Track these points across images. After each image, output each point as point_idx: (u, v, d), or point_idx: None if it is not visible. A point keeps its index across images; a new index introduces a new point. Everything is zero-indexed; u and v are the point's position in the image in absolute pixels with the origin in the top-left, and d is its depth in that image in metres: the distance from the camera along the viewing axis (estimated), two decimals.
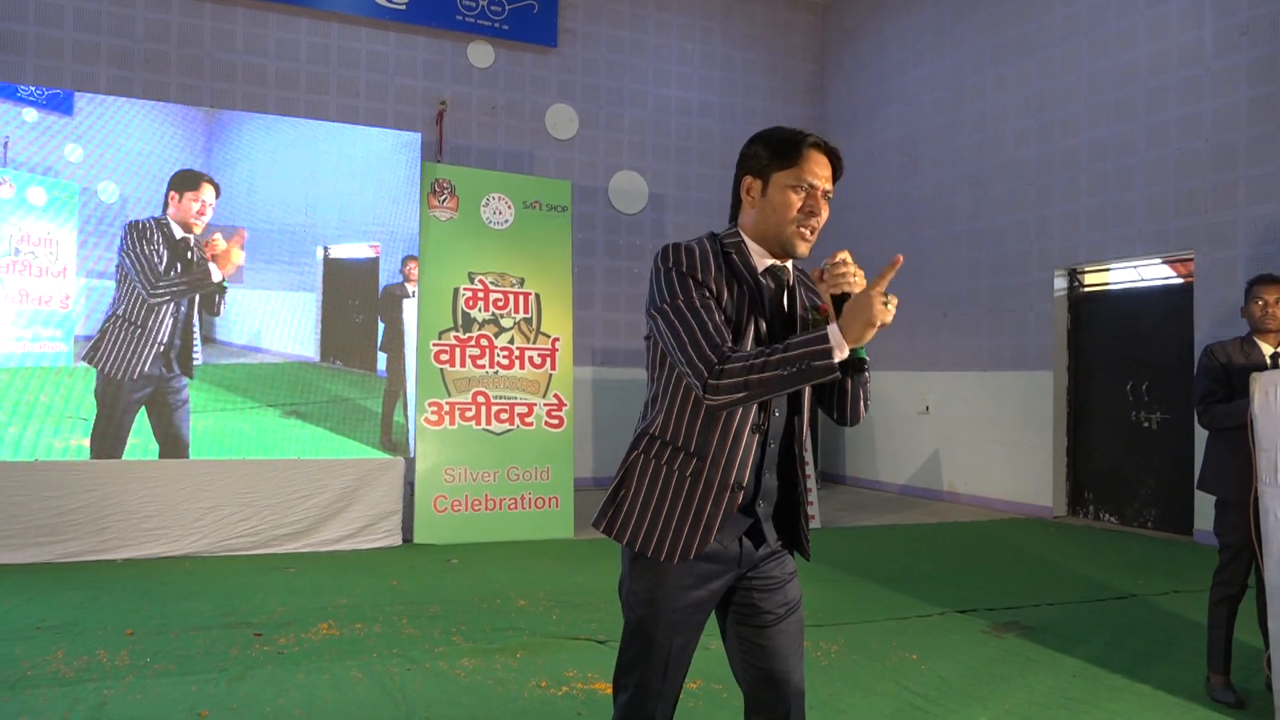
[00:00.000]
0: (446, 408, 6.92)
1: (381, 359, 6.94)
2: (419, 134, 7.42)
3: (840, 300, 1.80)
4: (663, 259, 1.90)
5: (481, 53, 9.91)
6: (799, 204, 1.88)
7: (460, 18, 9.70)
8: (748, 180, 1.95)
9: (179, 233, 6.40)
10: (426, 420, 6.85)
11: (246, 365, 6.56)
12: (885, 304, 1.71)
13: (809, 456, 2.00)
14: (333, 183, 6.89)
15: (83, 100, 6.34)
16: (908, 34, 10.35)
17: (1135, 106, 7.85)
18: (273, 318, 6.68)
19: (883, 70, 10.69)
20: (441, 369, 6.92)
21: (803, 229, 1.89)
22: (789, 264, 1.97)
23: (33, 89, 6.40)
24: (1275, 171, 6.87)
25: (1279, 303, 3.67)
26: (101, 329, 6.18)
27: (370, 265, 6.96)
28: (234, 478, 6.29)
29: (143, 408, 6.25)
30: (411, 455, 6.89)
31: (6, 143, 6.05)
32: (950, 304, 9.67)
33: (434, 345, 6.91)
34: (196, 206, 6.43)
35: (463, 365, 6.99)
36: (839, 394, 1.98)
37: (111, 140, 6.30)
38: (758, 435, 1.89)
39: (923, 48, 10.13)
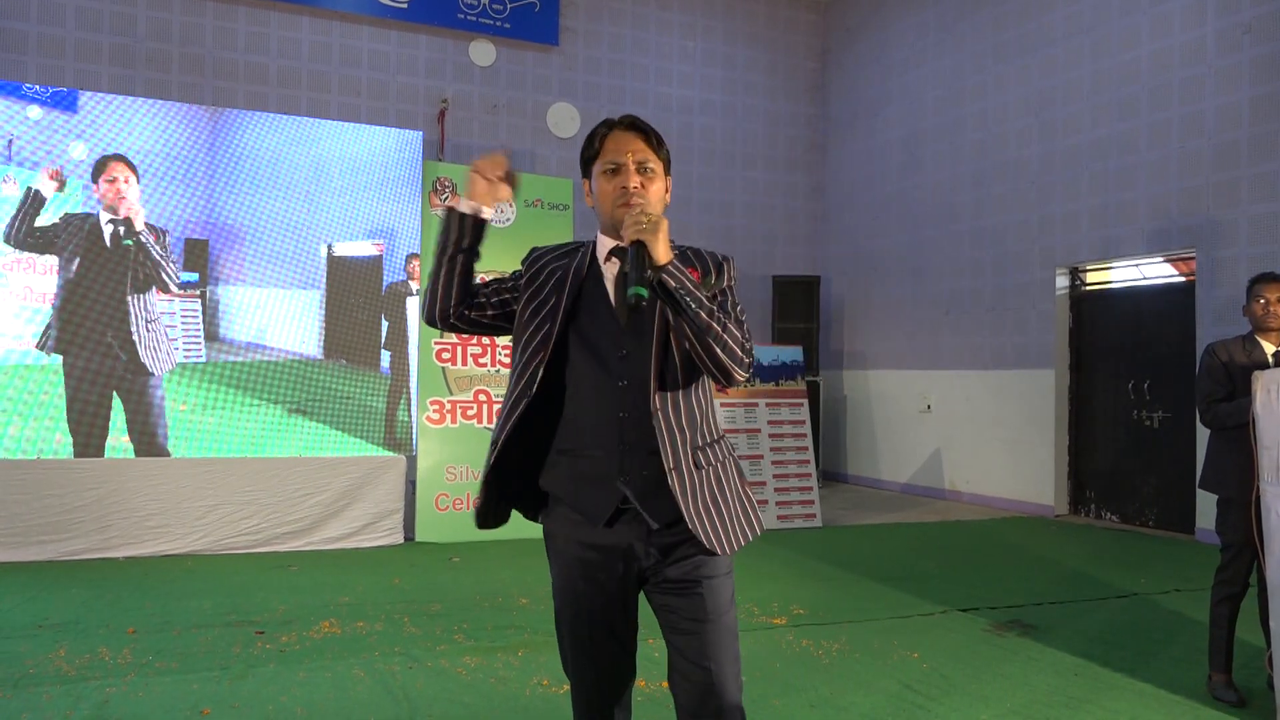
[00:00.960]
0: (448, 406, 6.92)
1: (385, 357, 6.95)
2: (421, 132, 7.43)
3: (638, 246, 1.79)
4: None
5: (483, 51, 9.90)
6: (613, 184, 1.93)
7: (462, 16, 9.70)
8: (585, 186, 2.03)
9: (106, 218, 6.32)
10: (428, 419, 6.85)
11: (250, 363, 6.57)
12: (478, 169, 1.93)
13: (704, 432, 1.93)
14: (335, 181, 6.90)
15: (87, 98, 6.34)
16: (909, 33, 10.34)
17: (1137, 105, 7.84)
18: (276, 315, 6.69)
19: (884, 69, 10.68)
20: (443, 367, 6.93)
21: (624, 205, 1.90)
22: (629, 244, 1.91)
23: (37, 87, 6.41)
24: (1277, 170, 6.86)
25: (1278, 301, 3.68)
26: (50, 319, 6.17)
27: (374, 263, 6.97)
28: (236, 476, 6.30)
29: (118, 404, 6.24)
30: (414, 453, 6.89)
31: (11, 140, 6.06)
32: (952, 302, 9.67)
33: (435, 344, 6.92)
34: (113, 185, 6.34)
35: (464, 364, 6.99)
36: (693, 349, 1.83)
37: (116, 138, 6.31)
38: (525, 401, 1.90)
39: (924, 46, 10.13)
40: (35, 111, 6.14)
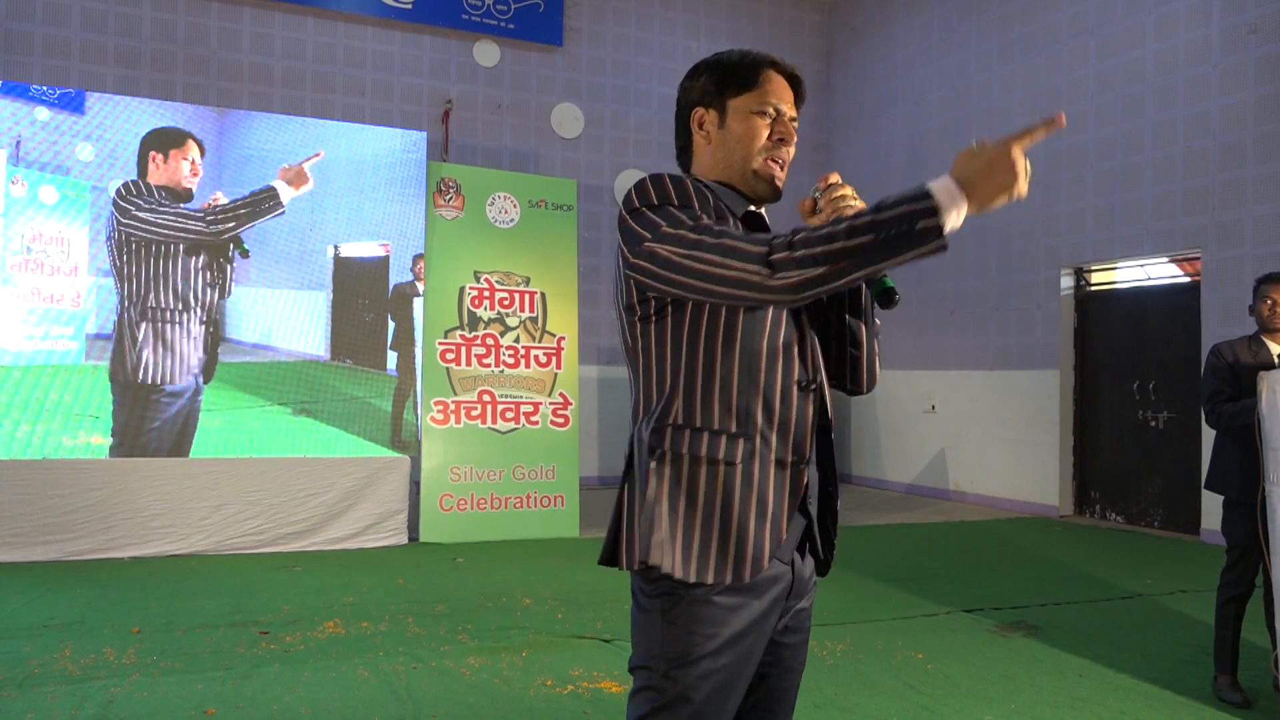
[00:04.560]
0: (452, 406, 6.93)
1: (391, 358, 6.95)
2: (425, 133, 7.43)
3: None
4: (638, 198, 1.50)
5: (487, 52, 9.91)
6: (767, 131, 1.58)
7: (466, 17, 9.71)
8: (699, 113, 1.62)
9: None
10: (432, 419, 6.86)
11: (257, 364, 6.58)
12: (1025, 167, 1.28)
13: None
14: (340, 181, 6.90)
15: (94, 99, 6.36)
16: (914, 32, 10.33)
17: (1142, 104, 7.82)
18: (283, 316, 6.69)
19: (889, 68, 10.68)
20: (447, 368, 6.94)
21: (774, 159, 1.58)
22: (764, 212, 1.65)
23: (44, 88, 6.43)
24: None
25: None
26: (118, 332, 6.08)
27: (380, 264, 6.97)
28: (241, 476, 6.31)
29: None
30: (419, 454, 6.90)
31: (19, 142, 6.08)
32: (957, 302, 9.66)
33: (440, 344, 6.92)
34: (188, 166, 6.22)
35: (468, 364, 7.00)
36: (853, 346, 1.61)
37: (123, 139, 6.32)
38: (810, 396, 1.52)
39: (929, 46, 10.12)
40: (43, 113, 6.16)
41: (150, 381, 6.12)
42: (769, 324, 1.50)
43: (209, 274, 6.29)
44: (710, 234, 1.40)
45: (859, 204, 1.50)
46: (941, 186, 1.27)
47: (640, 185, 1.51)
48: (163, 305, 6.10)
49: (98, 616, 4.55)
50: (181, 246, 6.19)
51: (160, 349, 6.11)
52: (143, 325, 6.09)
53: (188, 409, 6.23)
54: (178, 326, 6.14)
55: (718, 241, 1.39)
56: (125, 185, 6.18)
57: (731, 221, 1.52)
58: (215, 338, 6.37)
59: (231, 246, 6.35)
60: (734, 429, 1.47)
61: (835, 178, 1.54)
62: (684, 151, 1.67)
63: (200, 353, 6.24)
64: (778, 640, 1.57)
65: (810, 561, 1.60)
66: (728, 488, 1.46)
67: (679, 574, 1.44)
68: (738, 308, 1.46)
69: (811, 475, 1.54)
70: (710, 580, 1.44)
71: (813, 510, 1.56)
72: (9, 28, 8.34)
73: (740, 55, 1.62)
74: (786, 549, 1.51)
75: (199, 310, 6.25)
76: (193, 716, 3.29)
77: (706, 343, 1.49)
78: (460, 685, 3.67)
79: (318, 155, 6.20)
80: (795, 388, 1.51)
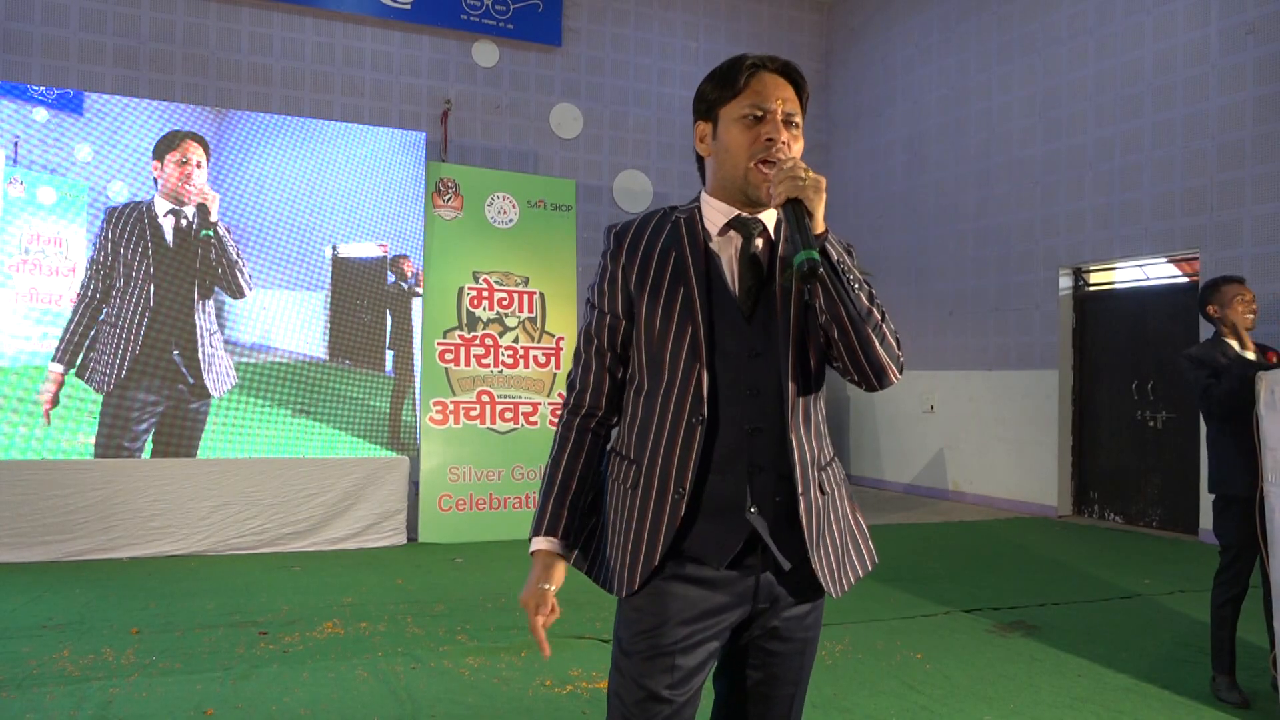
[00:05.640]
0: (451, 407, 6.93)
1: (390, 358, 6.95)
2: (424, 133, 7.43)
3: (795, 206, 1.47)
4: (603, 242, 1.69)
5: (486, 52, 9.91)
6: (752, 134, 1.57)
7: (465, 17, 9.71)
8: (700, 128, 1.64)
9: (164, 207, 6.25)
10: (431, 419, 6.86)
11: (255, 364, 6.57)
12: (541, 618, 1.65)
13: (825, 450, 1.60)
14: (338, 182, 6.91)
15: (92, 100, 6.35)
16: (913, 32, 10.34)
17: (1141, 105, 7.83)
18: (281, 317, 6.69)
19: (888, 68, 10.68)
20: (446, 368, 6.94)
21: (762, 162, 1.55)
22: (766, 215, 1.63)
23: (42, 89, 6.42)
24: None
25: (1254, 300, 3.72)
26: (90, 339, 6.08)
27: (378, 264, 6.97)
28: (240, 476, 6.31)
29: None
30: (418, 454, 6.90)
31: (17, 142, 6.08)
32: (956, 302, 9.66)
33: (439, 344, 6.93)
34: (178, 171, 6.23)
35: (467, 364, 7.00)
36: (841, 340, 1.53)
37: (121, 140, 6.32)
38: (700, 428, 1.55)
39: (928, 46, 10.12)
40: (41, 114, 6.16)
41: (113, 388, 6.08)
42: (667, 365, 1.58)
43: (189, 281, 6.28)
44: (585, 339, 1.67)
45: (810, 178, 1.48)
46: (538, 543, 1.65)
47: (607, 231, 1.68)
48: (120, 317, 6.07)
49: (97, 617, 4.55)
50: (151, 254, 6.16)
51: (122, 356, 6.07)
52: (105, 331, 6.07)
53: (169, 416, 6.20)
54: (141, 334, 6.12)
55: (580, 346, 1.68)
56: (116, 211, 6.15)
57: (672, 258, 1.59)
58: (190, 346, 6.27)
59: (201, 229, 6.28)
60: (633, 455, 1.61)
61: (790, 161, 1.51)
62: (699, 170, 1.70)
63: (177, 363, 6.19)
64: (764, 646, 1.63)
65: (781, 576, 1.59)
66: (619, 509, 1.61)
67: (583, 571, 1.68)
68: (643, 353, 1.63)
69: (766, 484, 1.56)
70: (603, 587, 1.63)
71: (755, 520, 1.55)
72: (7, 28, 8.34)
73: (728, 62, 1.62)
74: (716, 557, 1.55)
75: (177, 317, 6.22)
76: (191, 717, 3.29)
77: (633, 379, 1.65)
78: (459, 685, 3.67)
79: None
80: (684, 424, 1.56)
